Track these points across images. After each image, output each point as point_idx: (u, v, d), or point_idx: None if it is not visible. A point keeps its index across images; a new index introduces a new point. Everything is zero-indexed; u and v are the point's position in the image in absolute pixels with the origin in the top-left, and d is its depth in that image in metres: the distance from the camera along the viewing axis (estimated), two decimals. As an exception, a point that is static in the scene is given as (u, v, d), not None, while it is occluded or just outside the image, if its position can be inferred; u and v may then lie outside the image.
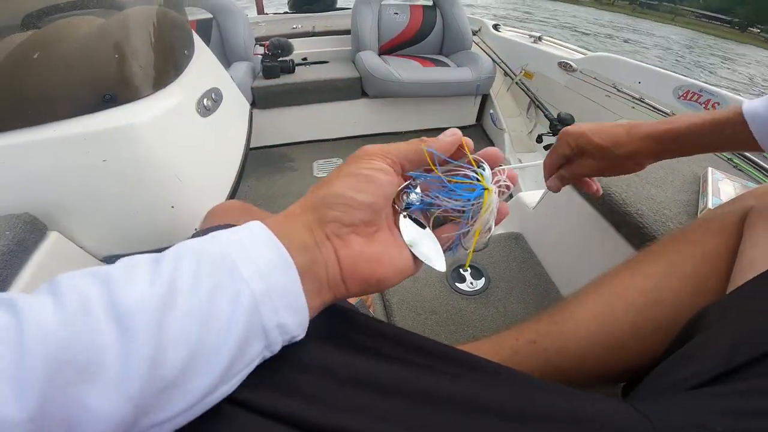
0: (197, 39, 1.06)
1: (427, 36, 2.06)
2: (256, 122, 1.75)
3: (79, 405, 0.16)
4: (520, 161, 1.61)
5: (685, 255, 0.41)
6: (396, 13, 2.03)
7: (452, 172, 0.25)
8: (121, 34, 0.85)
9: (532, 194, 0.90)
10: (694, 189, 0.67)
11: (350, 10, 2.05)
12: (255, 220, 0.22)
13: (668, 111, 1.15)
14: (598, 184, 0.51)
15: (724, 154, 0.85)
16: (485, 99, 1.99)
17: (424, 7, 2.12)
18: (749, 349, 0.27)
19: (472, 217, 0.25)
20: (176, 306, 0.18)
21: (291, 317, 0.21)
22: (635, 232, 0.58)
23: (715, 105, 1.15)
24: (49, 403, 0.16)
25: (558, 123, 1.24)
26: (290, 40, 1.76)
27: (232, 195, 1.08)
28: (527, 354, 0.42)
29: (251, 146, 1.81)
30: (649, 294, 0.39)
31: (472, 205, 0.24)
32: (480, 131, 2.07)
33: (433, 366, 0.26)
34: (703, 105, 1.17)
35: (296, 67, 1.80)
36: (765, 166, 0.83)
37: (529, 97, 1.67)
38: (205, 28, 1.80)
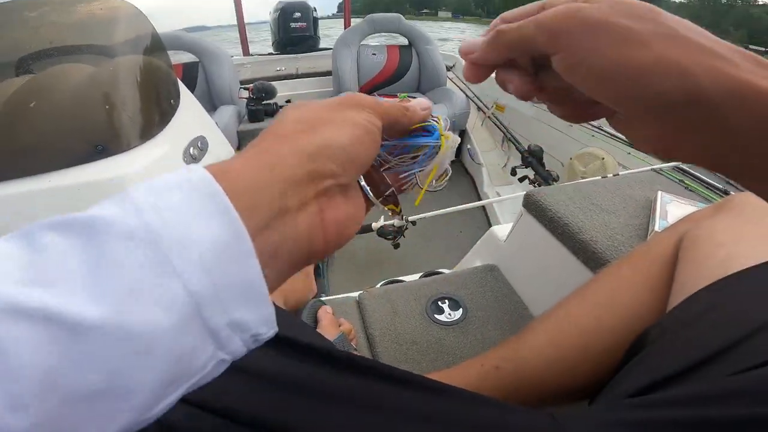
0: (182, 87, 1.11)
1: (404, 75, 2.17)
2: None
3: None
4: (498, 194, 1.67)
5: (626, 281, 0.45)
6: (374, 54, 2.15)
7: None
8: (111, 85, 0.89)
9: (503, 227, 0.94)
10: (646, 213, 0.72)
11: (332, 50, 2.15)
12: (194, 166, 0.16)
13: (622, 138, 1.23)
14: None
15: (675, 175, 0.91)
16: (462, 134, 2.07)
17: (400, 46, 2.24)
18: (668, 367, 0.31)
19: (429, 158, 0.25)
20: (79, 330, 0.13)
21: (249, 312, 0.16)
22: (591, 257, 0.63)
23: None
24: None
25: (529, 155, 1.32)
26: (274, 82, 1.84)
27: None
28: (492, 379, 0.45)
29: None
30: (595, 320, 0.43)
31: (433, 148, 0.25)
32: (459, 166, 2.14)
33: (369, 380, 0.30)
34: None
35: (280, 110, 1.86)
36: (716, 185, 0.88)
37: (501, 130, 1.76)
38: (191, 72, 1.86)
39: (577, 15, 0.17)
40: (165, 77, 1.06)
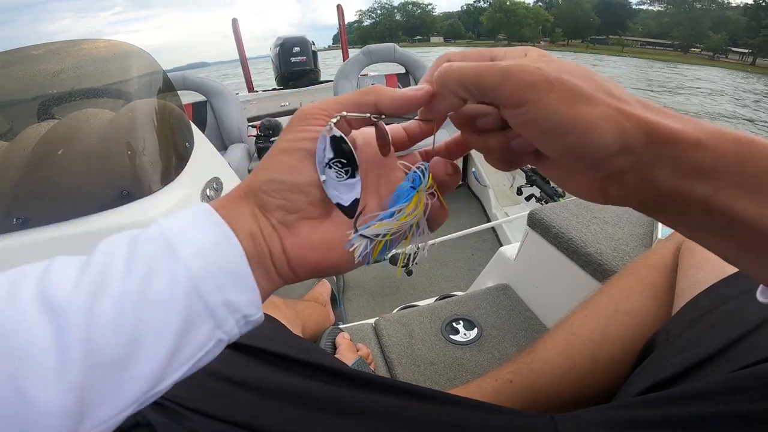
0: (195, 129, 1.15)
1: (404, 102, 2.23)
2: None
3: (24, 399, 0.16)
4: (507, 214, 1.69)
5: (629, 291, 0.47)
6: (373, 84, 2.23)
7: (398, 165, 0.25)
8: (132, 129, 0.94)
9: (512, 247, 0.97)
10: (650, 222, 0.74)
11: (332, 82, 2.22)
12: (202, 204, 0.22)
13: None
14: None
15: None
16: (467, 157, 2.10)
17: (398, 74, 2.32)
18: (669, 368, 0.33)
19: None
20: (109, 291, 0.19)
21: (239, 294, 0.20)
22: (598, 269, 0.65)
23: None
24: None
25: (532, 173, 1.35)
26: (279, 118, 1.91)
27: None
28: (506, 392, 0.47)
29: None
30: (602, 331, 0.45)
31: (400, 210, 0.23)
32: (466, 190, 2.17)
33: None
34: None
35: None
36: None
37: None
38: (200, 111, 1.92)
39: (540, 72, 0.18)
40: (179, 119, 1.11)
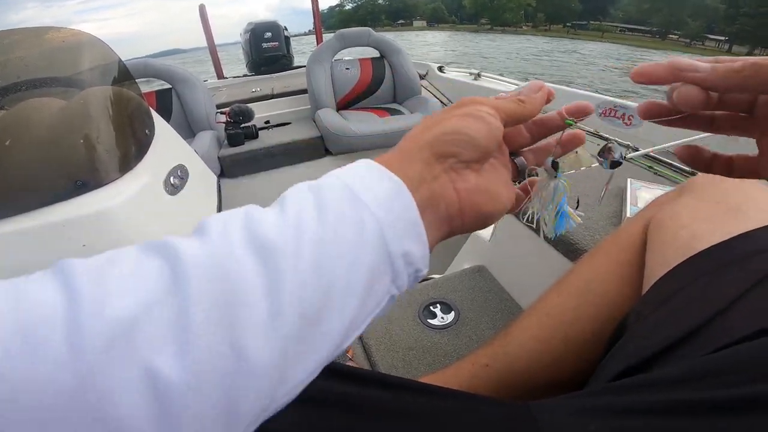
0: (156, 117, 1.11)
1: (380, 86, 2.20)
2: (227, 192, 1.79)
3: (237, 352, 0.15)
4: None
5: (599, 270, 0.46)
6: (347, 68, 2.17)
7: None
8: (85, 118, 0.89)
9: (487, 229, 0.96)
10: (619, 201, 0.75)
11: (305, 68, 2.17)
12: (364, 159, 0.23)
13: (592, 129, 1.25)
14: None
15: (644, 162, 0.94)
16: None
17: (372, 59, 2.27)
18: (641, 351, 0.32)
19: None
20: (306, 236, 0.18)
21: (414, 245, 0.21)
22: (570, 248, 0.65)
23: (630, 117, 1.26)
24: (208, 353, 0.15)
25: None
26: (251, 104, 1.85)
27: None
28: (483, 377, 0.47)
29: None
30: (573, 311, 0.44)
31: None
32: None
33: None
34: (620, 119, 1.28)
35: (259, 132, 1.85)
36: (683, 168, 0.92)
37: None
38: (165, 99, 1.85)
39: None
40: (137, 107, 1.06)
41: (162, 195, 0.95)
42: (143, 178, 0.90)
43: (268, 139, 1.82)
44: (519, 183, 0.30)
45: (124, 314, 0.14)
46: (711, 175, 0.45)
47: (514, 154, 0.30)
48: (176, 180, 1.00)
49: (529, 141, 0.30)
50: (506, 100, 0.26)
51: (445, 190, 0.23)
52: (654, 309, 0.35)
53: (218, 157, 1.69)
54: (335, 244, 0.19)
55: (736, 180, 0.42)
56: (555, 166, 0.29)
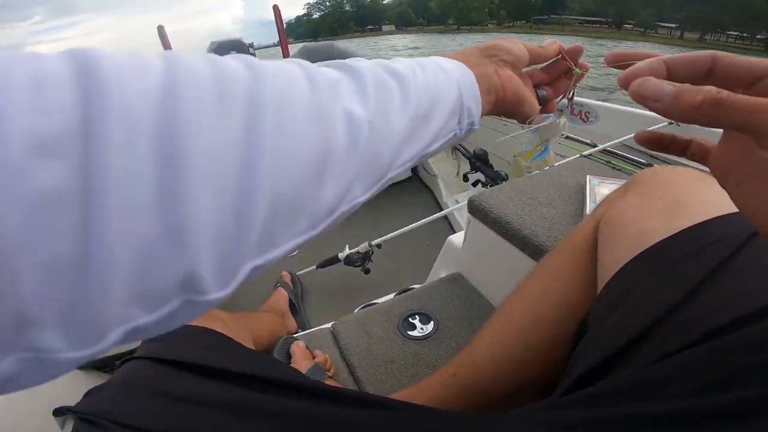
0: None
1: (347, 97, 2.20)
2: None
3: (386, 116, 0.24)
4: (457, 202, 1.70)
5: (556, 272, 0.47)
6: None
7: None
8: None
9: (459, 235, 0.97)
10: (580, 199, 0.77)
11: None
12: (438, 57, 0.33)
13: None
14: None
15: (602, 157, 0.97)
16: None
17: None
18: (592, 358, 0.32)
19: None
20: (418, 75, 0.28)
21: (474, 104, 0.32)
22: (536, 250, 0.66)
23: (587, 114, 1.28)
24: (374, 109, 0.24)
25: (475, 160, 1.37)
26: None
27: None
28: (453, 387, 0.47)
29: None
30: (531, 315, 0.45)
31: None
32: (417, 181, 2.17)
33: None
34: (578, 116, 1.30)
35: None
36: (639, 160, 0.95)
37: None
38: None
39: None
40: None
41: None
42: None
43: None
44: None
45: (332, 76, 0.23)
46: (652, 171, 0.46)
47: (537, 87, 0.39)
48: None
49: (546, 80, 0.40)
50: (530, 46, 0.37)
51: (491, 73, 0.34)
52: (608, 310, 0.35)
53: None
54: (435, 83, 0.29)
55: (675, 173, 0.43)
56: (567, 104, 0.38)
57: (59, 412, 0.39)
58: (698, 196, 0.39)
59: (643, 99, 0.22)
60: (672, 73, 0.23)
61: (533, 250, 0.67)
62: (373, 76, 0.25)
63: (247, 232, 0.17)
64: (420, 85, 0.27)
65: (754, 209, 0.22)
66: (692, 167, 0.86)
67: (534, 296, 0.46)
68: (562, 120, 0.38)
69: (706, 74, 0.23)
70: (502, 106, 0.35)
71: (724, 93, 0.20)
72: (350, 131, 0.22)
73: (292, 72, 0.21)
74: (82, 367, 0.87)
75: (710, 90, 0.20)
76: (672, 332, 0.29)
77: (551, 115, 0.38)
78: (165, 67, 0.17)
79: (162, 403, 0.36)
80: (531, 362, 0.44)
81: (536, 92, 0.38)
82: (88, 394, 0.39)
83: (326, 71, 0.24)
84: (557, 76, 0.40)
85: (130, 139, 0.14)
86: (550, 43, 0.38)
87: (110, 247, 0.14)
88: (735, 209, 0.34)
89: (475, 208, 0.80)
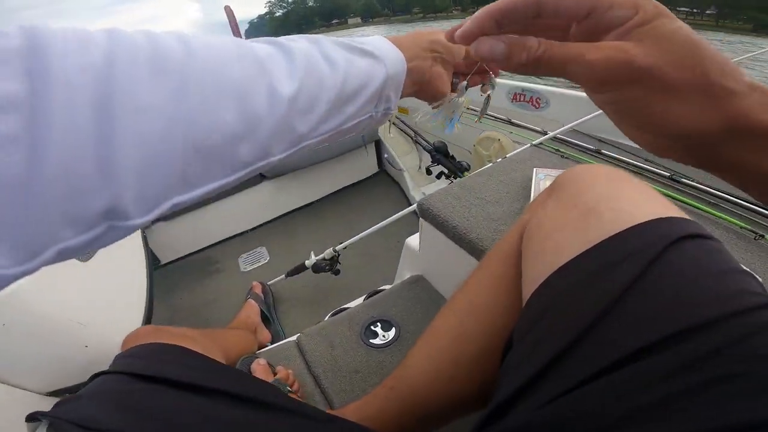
0: None
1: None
2: (167, 234, 1.72)
3: (269, 85, 0.25)
4: (424, 194, 1.68)
5: (482, 284, 0.45)
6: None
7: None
8: None
9: (416, 237, 0.96)
10: (527, 194, 0.76)
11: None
12: (378, 38, 0.35)
13: (504, 117, 1.24)
14: None
15: (551, 145, 0.96)
16: (379, 144, 2.07)
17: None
18: (505, 389, 0.31)
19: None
20: (355, 62, 0.31)
21: (394, 94, 0.35)
22: (483, 254, 0.66)
23: (538, 100, 1.27)
24: (304, 73, 0.27)
25: (436, 152, 1.36)
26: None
27: (149, 315, 1.08)
28: (392, 400, 0.47)
29: (171, 260, 1.78)
30: (458, 328, 0.44)
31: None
32: (384, 176, 2.15)
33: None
34: (529, 102, 1.29)
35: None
36: (588, 147, 0.95)
37: (407, 133, 1.79)
38: None
39: (630, 66, 0.21)
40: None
41: (72, 263, 0.90)
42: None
43: None
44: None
45: (262, 54, 0.26)
46: (571, 173, 0.45)
47: (455, 75, 0.42)
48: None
49: (464, 69, 0.42)
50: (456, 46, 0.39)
51: (426, 68, 0.37)
52: (529, 327, 0.34)
53: None
54: (366, 73, 0.31)
55: (592, 174, 0.42)
56: (465, 88, 0.41)
57: (32, 418, 0.43)
58: (612, 202, 0.37)
59: (483, 59, 0.25)
60: (502, 24, 0.24)
61: (480, 255, 0.67)
62: (305, 58, 0.27)
63: (165, 175, 0.22)
64: (352, 73, 0.30)
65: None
66: (613, 164, 0.86)
67: (461, 309, 0.46)
68: (462, 99, 0.42)
69: (534, 17, 0.24)
70: (420, 94, 0.39)
71: (542, 48, 0.23)
72: (270, 105, 0.25)
73: (225, 48, 0.24)
74: (53, 393, 0.86)
75: (532, 47, 0.23)
76: (572, 365, 0.28)
77: (454, 95, 0.42)
78: (106, 42, 0.21)
79: (132, 414, 0.39)
80: (460, 376, 0.43)
81: (452, 81, 0.42)
82: (58, 405, 0.42)
83: (260, 48, 0.26)
84: (475, 69, 0.42)
85: (71, 100, 0.18)
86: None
87: (51, 176, 0.18)
88: (649, 212, 0.33)
89: (424, 212, 0.79)
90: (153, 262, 1.74)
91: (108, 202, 0.20)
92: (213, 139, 0.23)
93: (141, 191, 0.21)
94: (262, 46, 0.27)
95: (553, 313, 0.33)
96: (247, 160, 0.25)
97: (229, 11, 3.51)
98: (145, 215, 0.22)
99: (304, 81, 0.27)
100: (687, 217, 0.34)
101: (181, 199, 0.23)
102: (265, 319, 1.37)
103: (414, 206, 1.33)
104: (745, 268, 0.31)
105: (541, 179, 0.77)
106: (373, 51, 0.32)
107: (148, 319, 1.08)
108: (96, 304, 0.93)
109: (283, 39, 0.28)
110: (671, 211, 0.34)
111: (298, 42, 0.29)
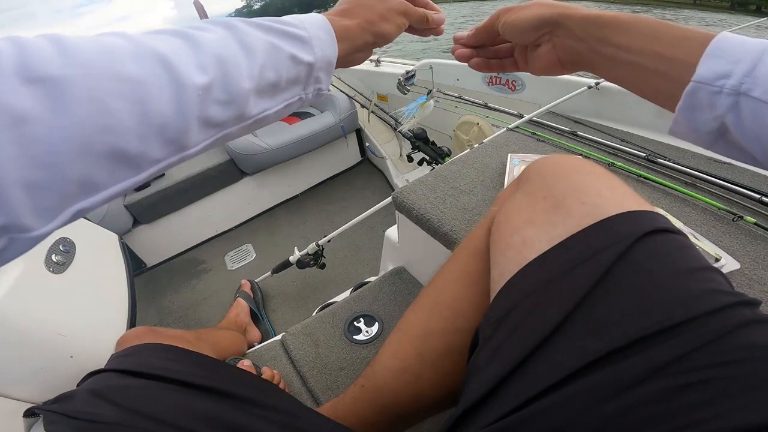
0: None
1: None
2: (151, 237, 1.69)
3: (172, 73, 0.25)
4: (407, 181, 1.67)
5: (449, 279, 0.45)
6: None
7: None
8: None
9: (394, 229, 0.95)
10: (502, 181, 0.76)
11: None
12: (315, 18, 0.35)
13: (481, 102, 1.24)
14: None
15: (527, 128, 0.96)
16: (360, 133, 2.05)
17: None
18: (468, 396, 0.31)
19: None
20: (281, 46, 0.31)
21: (325, 74, 0.35)
22: (452, 242, 0.65)
23: (514, 82, 1.26)
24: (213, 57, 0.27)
25: (415, 139, 1.34)
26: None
27: (133, 320, 1.07)
28: (361, 398, 0.46)
29: (157, 262, 1.76)
30: (424, 326, 0.43)
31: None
32: (367, 165, 2.13)
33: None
34: (505, 85, 1.28)
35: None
36: (563, 128, 0.94)
37: (386, 121, 1.77)
38: None
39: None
40: None
41: (47, 275, 0.88)
42: (18, 266, 0.83)
43: (176, 173, 1.70)
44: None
45: (163, 50, 0.25)
46: (540, 163, 0.44)
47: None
48: (59, 257, 0.92)
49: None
50: (418, 11, 0.42)
51: (393, 33, 0.40)
52: (492, 330, 0.33)
53: (125, 206, 1.58)
54: (290, 56, 0.31)
55: (561, 165, 0.41)
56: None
57: (30, 414, 0.45)
58: (581, 196, 0.35)
59: (457, 39, 0.45)
60: (477, 39, 0.44)
61: (454, 246, 0.66)
62: (217, 48, 0.27)
63: (60, 184, 0.21)
64: (272, 58, 0.30)
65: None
66: (589, 146, 0.87)
67: (427, 306, 0.45)
68: (431, 102, 0.45)
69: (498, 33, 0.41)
70: (375, 45, 0.40)
71: (473, 61, 0.45)
72: (177, 101, 0.24)
73: (116, 48, 0.23)
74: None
75: (476, 61, 0.45)
76: (536, 374, 0.28)
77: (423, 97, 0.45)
78: None
79: (126, 408, 0.40)
80: (425, 373, 0.42)
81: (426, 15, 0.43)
82: (54, 401, 0.42)
83: (166, 43, 0.25)
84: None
85: None
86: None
87: None
88: (615, 206, 0.33)
89: (399, 205, 0.78)
90: (138, 266, 1.72)
91: (2, 220, 0.20)
92: (110, 141, 0.22)
93: (35, 203, 0.20)
94: (169, 39, 0.26)
95: (516, 315, 0.32)
96: (157, 156, 0.25)
97: (198, 5, 3.39)
98: (47, 225, 0.22)
99: (217, 71, 0.26)
100: (655, 209, 0.34)
101: (84, 204, 0.23)
102: (255, 317, 1.36)
103: (386, 202, 1.32)
104: (712, 264, 0.30)
105: (516, 165, 0.76)
106: (301, 34, 0.32)
107: (132, 324, 1.07)
108: (75, 315, 0.91)
109: (195, 29, 0.28)
110: (640, 203, 0.33)
111: (213, 31, 0.28)
